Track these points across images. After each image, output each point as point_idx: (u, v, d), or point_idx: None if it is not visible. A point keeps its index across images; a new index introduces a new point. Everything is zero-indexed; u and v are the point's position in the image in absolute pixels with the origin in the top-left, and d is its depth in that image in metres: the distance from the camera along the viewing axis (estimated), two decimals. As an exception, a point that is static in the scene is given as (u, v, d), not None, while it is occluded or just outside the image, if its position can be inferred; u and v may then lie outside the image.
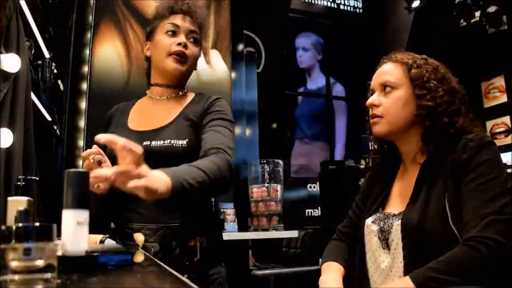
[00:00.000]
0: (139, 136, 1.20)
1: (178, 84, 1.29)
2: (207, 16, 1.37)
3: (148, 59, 1.32)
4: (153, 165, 1.01)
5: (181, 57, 1.24)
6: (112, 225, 1.22)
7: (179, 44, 1.24)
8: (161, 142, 1.18)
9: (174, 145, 1.17)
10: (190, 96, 1.32)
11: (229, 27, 3.48)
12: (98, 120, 2.98)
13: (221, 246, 1.26)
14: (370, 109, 1.13)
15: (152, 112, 1.28)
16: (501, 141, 4.11)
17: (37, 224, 0.58)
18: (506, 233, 0.90)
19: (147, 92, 1.34)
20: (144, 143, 1.17)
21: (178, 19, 1.28)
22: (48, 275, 0.57)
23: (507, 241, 0.89)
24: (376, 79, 1.14)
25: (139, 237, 1.10)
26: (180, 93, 1.31)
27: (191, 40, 1.28)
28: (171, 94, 1.29)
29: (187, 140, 1.18)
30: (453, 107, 1.06)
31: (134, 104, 1.33)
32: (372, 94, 1.15)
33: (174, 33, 1.26)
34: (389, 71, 1.12)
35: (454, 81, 1.12)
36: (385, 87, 1.11)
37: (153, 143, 1.18)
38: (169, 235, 1.12)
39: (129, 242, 1.12)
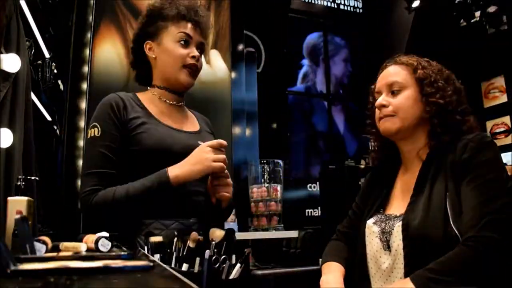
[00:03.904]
0: (188, 135, 1.26)
1: (183, 93, 1.32)
2: (211, 26, 1.35)
3: (145, 57, 1.29)
4: None
5: (194, 71, 1.26)
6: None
7: (193, 57, 1.24)
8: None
9: None
10: (186, 108, 1.38)
11: (229, 27, 3.47)
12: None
13: None
14: (379, 111, 1.12)
15: (177, 115, 1.30)
16: (501, 141, 4.11)
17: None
18: (506, 232, 0.90)
19: (149, 90, 1.31)
20: (199, 142, 1.22)
21: (190, 29, 1.26)
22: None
23: (507, 241, 0.89)
24: (382, 81, 1.14)
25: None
26: (183, 102, 1.35)
27: (199, 51, 1.28)
28: (180, 102, 1.32)
29: None
30: (462, 107, 1.08)
31: (139, 99, 1.27)
32: (376, 97, 1.15)
33: (187, 44, 1.25)
34: (395, 72, 1.13)
35: (457, 82, 1.13)
36: (393, 88, 1.11)
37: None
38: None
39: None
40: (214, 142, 1.14)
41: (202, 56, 1.32)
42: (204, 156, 1.11)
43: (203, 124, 1.38)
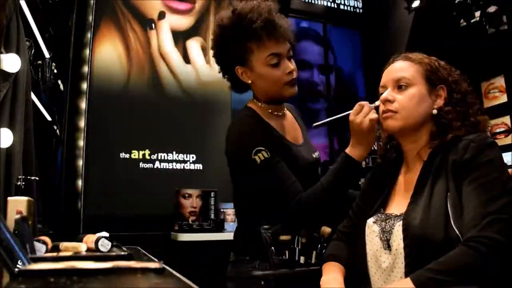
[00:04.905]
0: (305, 149, 1.35)
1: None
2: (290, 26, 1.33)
3: (238, 76, 1.31)
4: (317, 173, 1.36)
5: (294, 81, 1.29)
6: None
7: (290, 72, 1.26)
8: (316, 154, 1.37)
9: (319, 156, 1.39)
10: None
11: (229, 27, 3.47)
12: (98, 120, 2.99)
13: None
14: (383, 105, 1.11)
15: (289, 128, 1.37)
16: (501, 141, 4.10)
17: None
18: (507, 232, 0.90)
19: (258, 104, 1.34)
20: (314, 155, 1.35)
21: (276, 46, 1.24)
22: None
23: (508, 241, 0.89)
24: (389, 76, 1.13)
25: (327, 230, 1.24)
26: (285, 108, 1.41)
27: (291, 58, 1.28)
28: (284, 109, 1.38)
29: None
30: (468, 108, 1.08)
31: (264, 121, 1.30)
32: (380, 91, 1.14)
33: (279, 62, 1.24)
34: (403, 68, 1.11)
35: (465, 83, 1.14)
36: (399, 84, 1.10)
37: (315, 154, 1.37)
38: None
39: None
40: (357, 108, 1.17)
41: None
42: (360, 130, 1.17)
43: (300, 122, 1.44)
